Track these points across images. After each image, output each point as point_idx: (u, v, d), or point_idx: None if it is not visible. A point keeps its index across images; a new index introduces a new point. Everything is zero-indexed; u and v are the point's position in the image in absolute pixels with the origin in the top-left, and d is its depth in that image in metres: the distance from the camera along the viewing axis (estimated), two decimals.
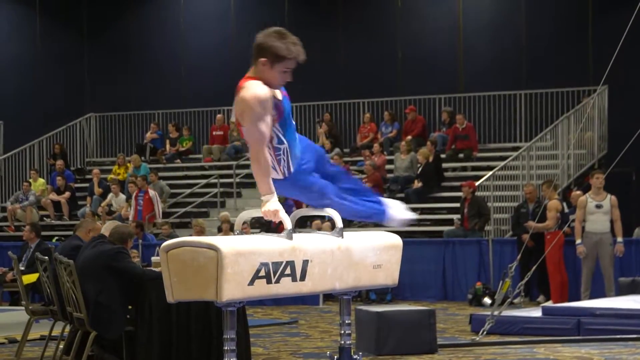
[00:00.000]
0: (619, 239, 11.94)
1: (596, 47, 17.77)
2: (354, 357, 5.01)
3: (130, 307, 7.41)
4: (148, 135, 20.49)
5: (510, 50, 18.82)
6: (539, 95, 18.05)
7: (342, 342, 5.02)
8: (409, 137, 17.81)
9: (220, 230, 14.62)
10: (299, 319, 11.91)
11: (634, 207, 16.12)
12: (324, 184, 4.71)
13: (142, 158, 19.62)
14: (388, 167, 17.58)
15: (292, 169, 4.57)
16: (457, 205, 15.32)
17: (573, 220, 12.20)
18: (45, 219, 18.65)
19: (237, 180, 18.16)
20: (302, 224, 14.24)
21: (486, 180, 15.52)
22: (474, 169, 17.38)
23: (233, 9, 21.09)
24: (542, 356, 8.32)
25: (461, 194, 15.07)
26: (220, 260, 4.10)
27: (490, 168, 16.41)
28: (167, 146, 20.27)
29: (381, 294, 13.98)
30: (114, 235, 7.64)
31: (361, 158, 17.90)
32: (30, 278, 10.78)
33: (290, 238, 4.44)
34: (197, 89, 20.73)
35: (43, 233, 13.64)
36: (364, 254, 4.79)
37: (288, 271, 4.38)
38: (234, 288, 4.15)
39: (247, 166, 17.05)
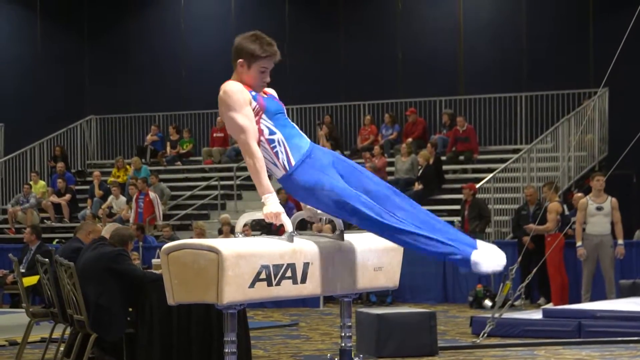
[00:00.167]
0: (620, 241, 11.93)
1: (597, 49, 17.78)
2: (355, 359, 5.01)
3: (130, 309, 7.41)
4: (148, 137, 20.49)
5: (510, 52, 18.83)
6: (540, 98, 18.05)
7: (343, 344, 5.01)
8: (410, 140, 17.82)
9: (220, 233, 14.62)
10: (299, 321, 11.91)
11: (635, 209, 16.11)
12: (337, 185, 4.42)
13: (143, 160, 19.62)
14: (388, 169, 17.57)
15: (294, 162, 4.48)
16: (458, 207, 15.32)
17: (574, 222, 12.20)
18: (45, 221, 18.65)
19: (238, 182, 18.16)
20: (303, 226, 14.25)
21: (487, 182, 15.52)
22: (475, 171, 17.38)
23: (233, 10, 21.10)
24: (542, 358, 8.32)
25: (462, 196, 15.06)
26: (221, 263, 4.10)
27: (490, 170, 16.41)
28: (168, 148, 20.27)
29: (382, 296, 13.97)
30: (115, 238, 7.64)
31: (362, 160, 17.89)
32: (30, 280, 10.78)
33: (291, 240, 4.44)
34: (198, 91, 20.73)
35: (43, 235, 13.64)
36: (364, 256, 4.79)
37: (289, 273, 4.38)
38: (234, 290, 4.15)
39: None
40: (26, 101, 21.68)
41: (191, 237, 12.97)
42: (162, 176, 18.92)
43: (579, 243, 11.94)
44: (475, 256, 4.36)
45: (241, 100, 4.43)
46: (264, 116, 4.49)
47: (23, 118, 21.33)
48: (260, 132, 4.48)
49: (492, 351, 8.81)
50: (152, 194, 17.15)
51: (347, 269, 4.69)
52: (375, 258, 4.85)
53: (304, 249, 4.47)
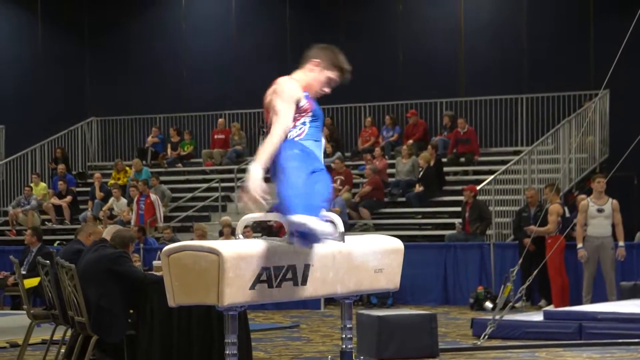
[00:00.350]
0: (621, 243, 11.93)
1: (597, 51, 17.78)
2: None
3: (131, 311, 7.41)
4: (149, 139, 20.49)
5: (511, 54, 18.83)
6: (541, 99, 18.05)
7: (344, 346, 5.02)
8: (411, 141, 17.81)
9: (221, 235, 14.62)
10: (300, 323, 11.91)
11: (636, 211, 16.10)
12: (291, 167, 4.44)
13: (144, 162, 19.63)
14: (389, 171, 17.57)
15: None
16: (459, 209, 15.32)
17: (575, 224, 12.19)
18: (46, 223, 18.66)
19: (238, 184, 18.16)
20: None
21: (487, 184, 15.51)
22: (476, 173, 17.37)
23: (234, 12, 21.10)
24: None
25: (462, 198, 15.06)
26: (221, 265, 4.10)
27: (491, 172, 16.41)
28: (169, 150, 20.28)
29: (382, 298, 13.97)
30: (116, 239, 7.64)
31: (362, 162, 17.90)
32: (31, 282, 10.78)
33: (292, 242, 4.44)
34: (198, 93, 20.74)
35: (44, 237, 13.65)
36: (365, 258, 4.79)
37: (289, 275, 4.38)
38: (235, 292, 4.15)
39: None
40: (27, 103, 21.69)
41: (192, 239, 12.98)
42: (162, 178, 18.92)
43: (579, 245, 11.93)
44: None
45: (290, 92, 4.53)
46: (309, 117, 4.58)
47: (24, 120, 21.33)
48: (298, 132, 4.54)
49: (492, 353, 8.81)
50: (153, 196, 17.15)
51: (347, 271, 4.69)
52: (376, 260, 4.85)
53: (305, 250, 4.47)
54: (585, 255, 11.89)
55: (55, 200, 18.84)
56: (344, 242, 4.72)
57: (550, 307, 12.04)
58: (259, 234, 14.43)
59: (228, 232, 14.16)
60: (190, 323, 7.06)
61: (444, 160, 17.40)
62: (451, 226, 15.44)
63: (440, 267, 14.31)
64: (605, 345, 8.94)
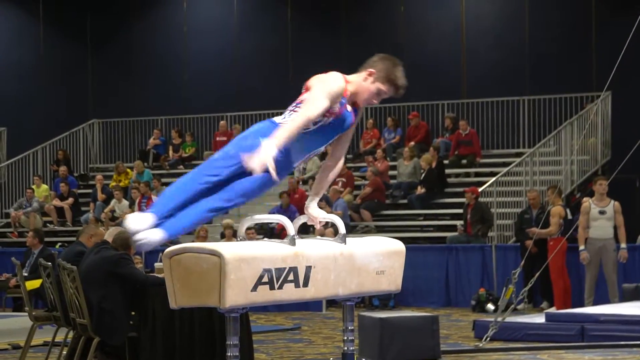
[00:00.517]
0: (623, 245, 11.92)
1: (600, 52, 17.77)
2: None
3: (133, 313, 7.41)
4: (151, 141, 20.51)
5: (513, 56, 18.82)
6: (542, 101, 18.04)
7: (345, 348, 5.01)
8: (412, 143, 17.81)
9: (223, 237, 14.62)
10: (302, 325, 11.91)
11: (638, 213, 16.11)
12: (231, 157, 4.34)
13: (145, 164, 19.63)
14: (391, 173, 17.57)
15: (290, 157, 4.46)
16: (460, 211, 15.32)
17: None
18: (48, 225, 18.66)
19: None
20: (305, 230, 14.24)
21: (489, 186, 15.51)
22: (477, 174, 17.37)
23: (236, 15, 21.11)
24: None
25: (464, 200, 15.06)
26: (223, 266, 4.10)
27: (493, 174, 16.40)
28: (170, 152, 20.29)
29: (384, 300, 13.97)
30: (117, 241, 7.64)
31: (364, 164, 17.90)
32: (33, 284, 10.78)
33: (293, 244, 4.44)
34: (200, 95, 20.76)
35: (46, 239, 13.63)
36: (367, 259, 4.79)
37: (291, 277, 4.38)
38: (237, 294, 4.15)
39: None
40: (29, 105, 21.70)
41: (193, 241, 12.98)
42: (164, 180, 18.92)
43: (581, 247, 11.93)
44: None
45: (333, 86, 4.45)
46: (331, 122, 4.50)
47: (26, 122, 21.35)
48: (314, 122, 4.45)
49: (494, 355, 8.81)
50: (154, 198, 17.16)
51: (349, 273, 4.69)
52: (378, 262, 4.85)
53: (306, 252, 4.47)
54: (587, 257, 11.88)
55: (57, 202, 18.85)
56: (345, 244, 4.72)
57: (552, 309, 12.04)
58: (261, 236, 14.43)
59: (229, 234, 14.16)
60: (192, 325, 7.06)
61: (446, 162, 17.39)
62: (453, 228, 15.43)
63: (442, 269, 14.31)
64: (607, 347, 8.93)
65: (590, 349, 8.92)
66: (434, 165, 16.71)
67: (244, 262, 4.18)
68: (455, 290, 14.23)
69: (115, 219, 17.55)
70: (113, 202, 18.09)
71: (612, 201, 11.94)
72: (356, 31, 19.94)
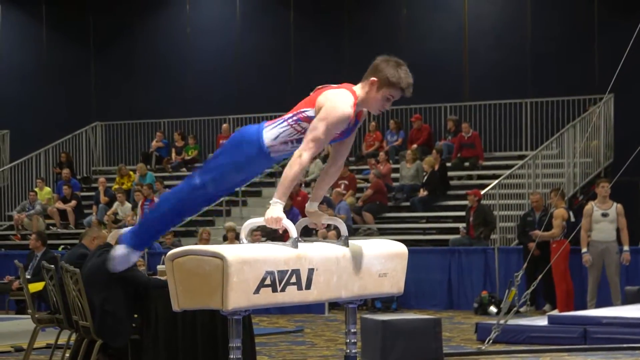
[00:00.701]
0: (626, 247, 11.92)
1: (602, 55, 17.76)
2: None
3: (135, 315, 7.42)
4: (154, 143, 20.52)
5: (515, 58, 18.82)
6: (545, 104, 18.04)
7: (348, 350, 5.01)
8: (415, 146, 17.81)
9: (225, 239, 14.63)
10: (304, 327, 11.91)
11: None
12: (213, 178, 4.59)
13: (148, 167, 19.65)
14: (393, 175, 17.57)
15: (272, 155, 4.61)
16: (463, 213, 15.31)
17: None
18: (51, 227, 18.67)
19: (243, 188, 18.16)
20: (308, 232, 14.24)
21: (492, 188, 15.51)
22: (480, 177, 17.37)
23: (238, 17, 21.12)
24: None
25: (467, 203, 15.06)
26: (225, 269, 4.10)
27: (496, 176, 16.40)
28: (173, 155, 20.30)
29: (387, 303, 13.97)
30: None
31: (367, 167, 17.91)
32: (36, 286, 10.79)
33: (296, 246, 4.44)
34: (203, 98, 20.76)
35: (49, 242, 13.65)
36: (369, 262, 4.79)
37: (294, 279, 4.38)
38: (239, 296, 4.15)
39: None
40: (31, 107, 21.73)
41: (196, 244, 12.99)
42: (167, 182, 18.93)
43: (584, 249, 11.92)
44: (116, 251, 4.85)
45: (341, 125, 4.45)
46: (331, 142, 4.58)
47: (28, 124, 21.37)
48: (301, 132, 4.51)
49: (497, 358, 8.81)
50: (157, 200, 17.16)
51: (351, 275, 4.69)
52: (380, 264, 4.85)
53: (309, 255, 4.47)
54: (590, 259, 11.87)
55: (59, 205, 18.86)
56: (348, 246, 4.72)
57: (555, 312, 12.04)
58: (264, 239, 14.44)
59: (232, 236, 14.17)
60: (195, 327, 7.07)
61: (448, 164, 17.39)
62: (455, 231, 15.43)
63: (445, 271, 14.30)
64: (609, 350, 8.93)
65: (592, 352, 8.92)
66: (436, 167, 16.71)
67: (247, 264, 4.18)
68: (458, 293, 14.22)
69: (118, 222, 17.57)
70: (116, 204, 18.10)
71: (615, 204, 11.94)
72: (358, 33, 19.94)
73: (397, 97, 4.62)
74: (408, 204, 16.84)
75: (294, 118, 4.52)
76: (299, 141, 4.48)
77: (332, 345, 10.07)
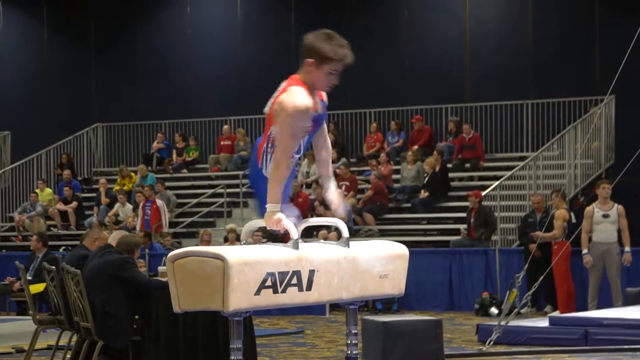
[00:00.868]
0: (627, 248, 11.91)
1: (603, 56, 17.76)
2: None
3: (137, 316, 7.42)
4: (155, 145, 20.52)
5: (516, 60, 18.82)
6: (546, 105, 18.04)
7: (349, 352, 5.01)
8: (416, 147, 17.81)
9: (226, 240, 14.64)
10: (305, 328, 11.91)
11: None
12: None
13: (149, 168, 19.65)
14: (394, 177, 17.57)
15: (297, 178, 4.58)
16: (464, 215, 15.31)
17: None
18: (52, 228, 18.68)
19: (244, 190, 18.17)
20: (309, 233, 14.25)
21: (493, 190, 15.51)
22: (481, 178, 17.37)
23: (240, 18, 21.13)
24: None
25: (468, 204, 15.06)
26: (226, 270, 4.10)
27: (497, 178, 16.40)
28: (174, 156, 20.30)
29: (388, 304, 13.96)
30: (121, 245, 7.65)
31: (368, 168, 17.91)
32: (37, 288, 10.80)
33: (297, 248, 4.44)
34: (204, 99, 20.77)
35: (50, 243, 13.66)
36: (370, 263, 4.78)
37: (294, 281, 4.38)
38: (240, 298, 4.15)
39: None
40: (32, 109, 21.74)
41: (197, 245, 12.99)
42: (168, 184, 18.95)
43: (585, 251, 11.92)
44: None
45: (304, 123, 4.40)
46: (307, 137, 4.52)
47: (29, 126, 21.38)
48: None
49: (498, 359, 8.81)
50: (158, 202, 17.17)
51: (352, 277, 4.69)
52: (381, 265, 4.84)
53: (310, 256, 4.47)
54: (591, 261, 11.87)
55: (60, 206, 18.87)
56: (348, 247, 4.72)
57: (556, 313, 12.03)
58: (265, 240, 14.45)
59: (233, 237, 14.18)
60: (196, 329, 7.07)
61: (449, 166, 17.39)
62: (456, 232, 15.43)
63: (446, 272, 14.30)
64: (611, 351, 8.92)
65: (593, 353, 8.91)
66: (437, 169, 16.71)
67: (248, 265, 4.18)
68: (459, 294, 14.22)
69: (119, 223, 17.58)
70: (117, 205, 18.11)
71: (616, 205, 11.94)
72: (359, 34, 19.92)
73: (339, 69, 4.52)
74: (409, 205, 16.84)
75: (270, 145, 4.51)
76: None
77: (333, 346, 10.07)
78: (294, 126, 4.38)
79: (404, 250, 5.04)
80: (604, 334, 9.32)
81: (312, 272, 4.45)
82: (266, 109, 4.55)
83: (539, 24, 18.78)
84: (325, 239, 12.67)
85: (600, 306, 11.70)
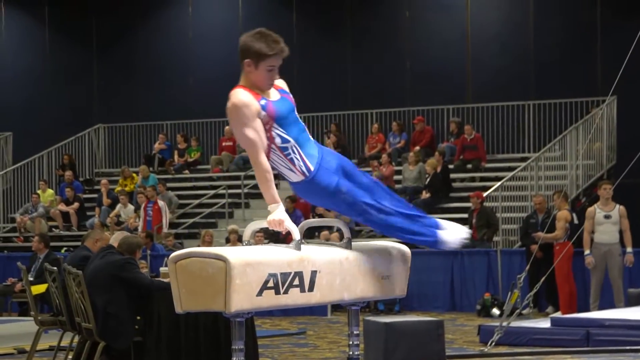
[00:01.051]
0: (629, 249, 11.91)
1: (605, 57, 17.76)
2: None
3: (138, 317, 7.42)
4: (156, 145, 20.53)
5: (518, 61, 18.82)
6: (548, 106, 18.03)
7: (351, 352, 5.01)
8: (417, 148, 17.81)
9: (228, 241, 14.63)
10: (307, 329, 11.91)
11: None
12: (350, 187, 4.52)
13: (151, 169, 19.66)
14: (396, 177, 17.57)
15: (312, 167, 4.47)
16: (466, 215, 15.30)
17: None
18: (54, 229, 18.69)
19: (245, 190, 18.17)
20: (311, 234, 14.24)
21: (494, 190, 15.51)
22: (482, 179, 17.36)
23: (241, 19, 21.14)
24: None
25: (469, 205, 15.05)
26: (228, 271, 4.10)
27: (498, 178, 16.40)
28: (176, 157, 20.30)
29: (389, 305, 13.96)
30: (123, 246, 7.65)
31: (369, 169, 17.90)
32: (39, 288, 10.80)
33: (299, 249, 4.44)
34: (205, 100, 20.76)
35: (52, 244, 13.67)
36: (372, 264, 4.78)
37: (296, 282, 4.38)
38: (242, 299, 4.15)
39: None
40: (34, 110, 21.75)
41: (198, 246, 12.98)
42: (170, 184, 18.95)
43: (587, 251, 11.92)
44: (443, 236, 4.76)
45: (248, 114, 4.38)
46: (275, 124, 4.45)
47: (31, 127, 21.39)
48: (272, 140, 4.44)
49: None
50: (160, 203, 17.17)
51: (354, 277, 4.69)
52: (383, 266, 4.84)
53: (312, 257, 4.47)
54: (593, 261, 11.87)
55: (62, 207, 18.87)
56: (350, 248, 4.72)
57: (558, 314, 12.03)
58: (266, 241, 14.44)
59: (235, 238, 14.18)
60: (197, 329, 7.07)
61: (451, 166, 17.39)
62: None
63: (447, 273, 14.30)
64: (612, 352, 8.92)
65: (595, 354, 8.91)
66: (439, 169, 16.71)
67: (250, 266, 4.18)
68: (461, 295, 14.22)
69: (121, 224, 17.58)
70: (118, 206, 18.11)
71: (618, 205, 11.93)
72: (361, 35, 19.95)
73: (277, 64, 4.52)
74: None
75: (275, 150, 4.54)
76: (283, 152, 4.46)
77: (334, 347, 10.06)
78: (241, 121, 4.37)
79: (406, 251, 5.04)
80: (606, 335, 9.31)
81: (314, 273, 4.45)
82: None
83: (540, 24, 18.78)
84: (327, 239, 12.68)
85: (602, 307, 11.69)
